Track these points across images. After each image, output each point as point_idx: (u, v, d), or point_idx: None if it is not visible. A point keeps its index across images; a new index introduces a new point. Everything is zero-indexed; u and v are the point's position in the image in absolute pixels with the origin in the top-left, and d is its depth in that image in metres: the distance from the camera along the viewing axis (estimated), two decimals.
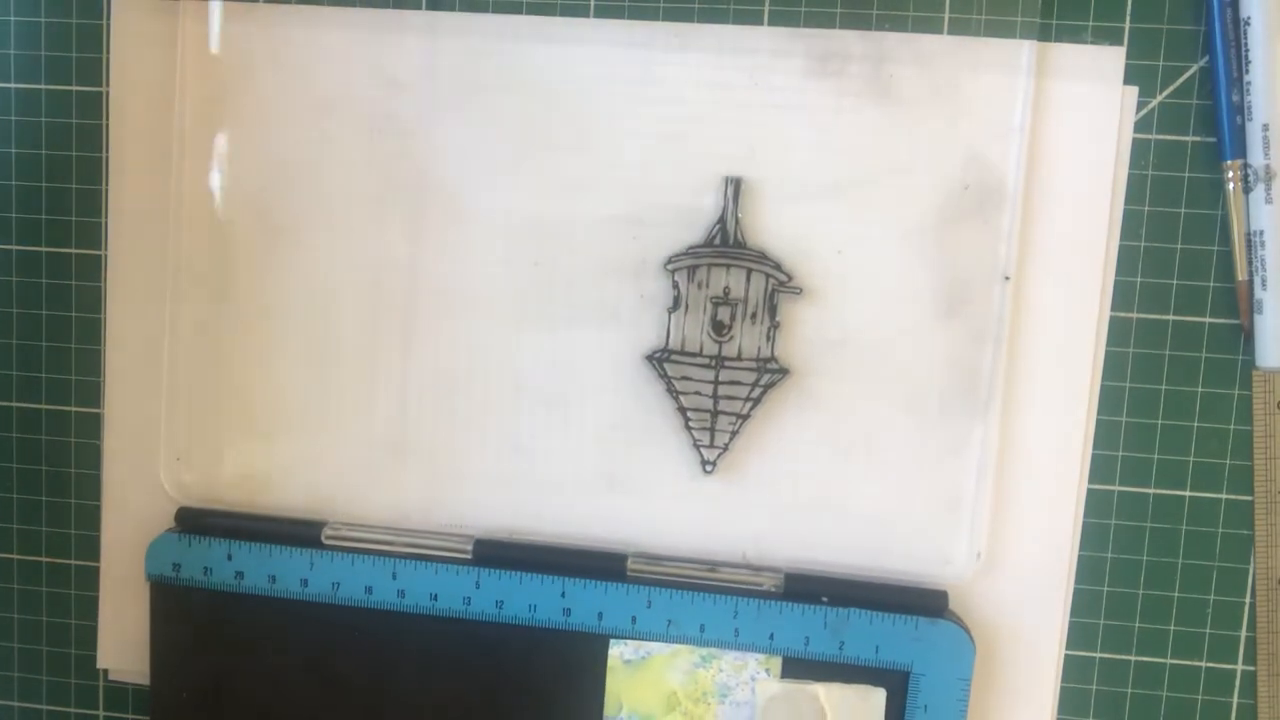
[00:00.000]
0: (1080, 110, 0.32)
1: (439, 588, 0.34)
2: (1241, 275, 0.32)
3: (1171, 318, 0.33)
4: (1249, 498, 0.33)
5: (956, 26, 0.32)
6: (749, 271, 0.33)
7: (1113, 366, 0.33)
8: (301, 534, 0.34)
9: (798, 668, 0.33)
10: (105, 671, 0.38)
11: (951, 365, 0.33)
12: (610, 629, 0.33)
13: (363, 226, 0.34)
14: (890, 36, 0.32)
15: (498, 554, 0.34)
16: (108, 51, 0.35)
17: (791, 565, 0.34)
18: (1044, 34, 0.32)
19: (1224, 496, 0.33)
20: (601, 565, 0.34)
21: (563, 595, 0.33)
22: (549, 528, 0.34)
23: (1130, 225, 0.33)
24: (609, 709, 0.34)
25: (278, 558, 0.34)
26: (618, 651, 0.33)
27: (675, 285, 0.33)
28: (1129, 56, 0.32)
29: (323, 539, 0.34)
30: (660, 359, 0.33)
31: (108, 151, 0.35)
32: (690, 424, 0.33)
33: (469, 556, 0.34)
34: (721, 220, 0.33)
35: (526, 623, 0.33)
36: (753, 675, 0.33)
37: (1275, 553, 0.33)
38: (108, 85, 0.35)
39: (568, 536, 0.34)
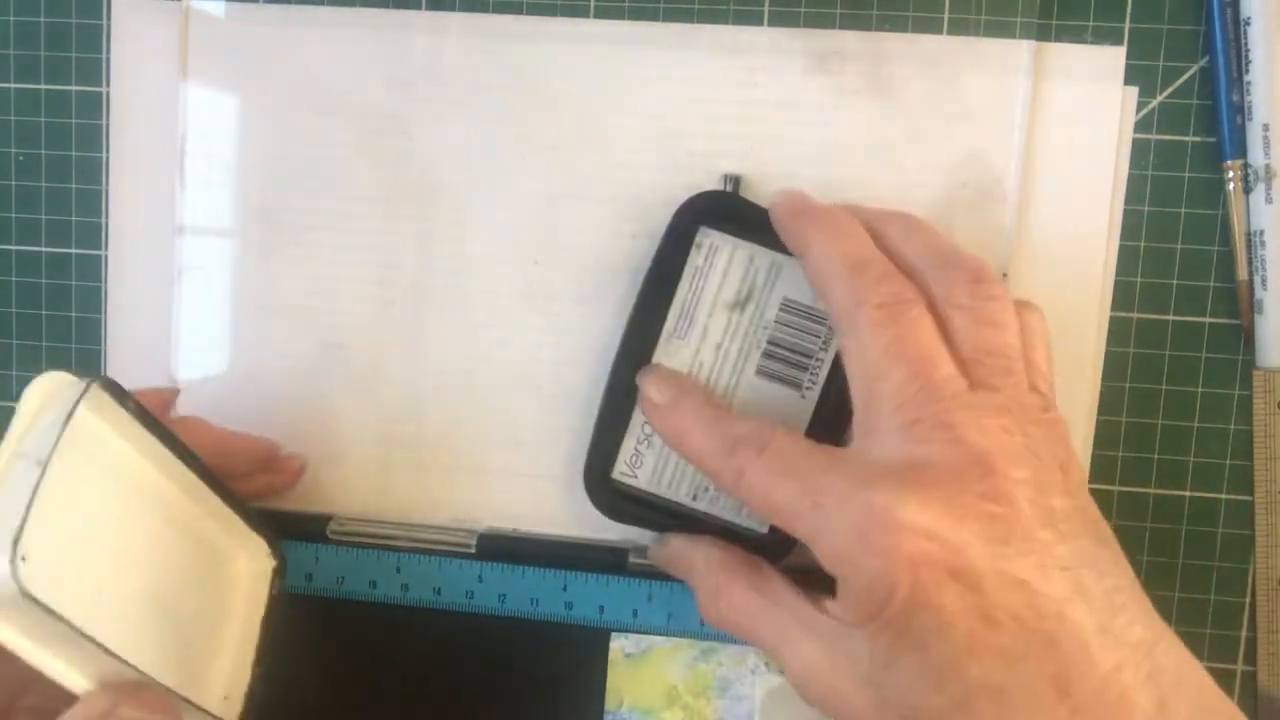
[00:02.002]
0: (1080, 110, 0.33)
1: (442, 582, 0.35)
2: (1241, 275, 0.34)
3: (1171, 318, 0.34)
4: (1249, 498, 0.35)
5: (956, 26, 0.33)
6: None
7: (1113, 366, 0.34)
8: (307, 529, 0.36)
9: None
10: None
11: None
12: (612, 622, 0.35)
13: (365, 225, 0.36)
14: (890, 36, 0.33)
15: (500, 548, 0.35)
16: (108, 51, 0.36)
17: (791, 561, 0.35)
18: (1044, 34, 0.33)
19: (1224, 496, 0.35)
20: (603, 559, 0.35)
21: (564, 589, 0.35)
22: (551, 523, 0.36)
23: (1130, 225, 0.34)
24: (610, 703, 0.35)
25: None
26: (619, 645, 0.35)
27: None
28: (1129, 56, 0.33)
29: (328, 534, 0.36)
30: None
31: (108, 151, 0.36)
32: None
33: (472, 551, 0.35)
34: None
35: (529, 616, 0.35)
36: (752, 669, 0.35)
37: (1275, 553, 0.35)
38: (108, 85, 0.36)
39: (569, 531, 0.36)
